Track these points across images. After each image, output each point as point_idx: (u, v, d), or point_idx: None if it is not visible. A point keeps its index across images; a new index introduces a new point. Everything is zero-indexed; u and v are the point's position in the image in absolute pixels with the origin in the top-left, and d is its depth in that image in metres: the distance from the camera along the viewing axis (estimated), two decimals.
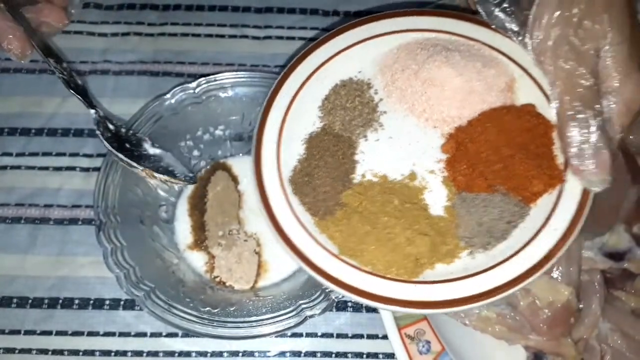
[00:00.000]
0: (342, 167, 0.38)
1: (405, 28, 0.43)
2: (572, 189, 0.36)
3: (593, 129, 0.35)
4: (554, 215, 0.36)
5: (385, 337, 0.43)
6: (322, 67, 0.42)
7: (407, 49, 0.42)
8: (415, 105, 0.40)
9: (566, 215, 0.35)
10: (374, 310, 0.45)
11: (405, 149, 0.39)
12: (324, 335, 0.44)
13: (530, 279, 0.34)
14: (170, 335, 0.44)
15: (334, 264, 0.35)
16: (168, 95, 0.45)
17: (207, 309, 0.38)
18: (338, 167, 0.38)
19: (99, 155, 0.51)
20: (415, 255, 0.35)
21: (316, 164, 0.38)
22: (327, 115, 0.40)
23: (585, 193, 0.36)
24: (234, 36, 0.57)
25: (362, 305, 0.46)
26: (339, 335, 0.45)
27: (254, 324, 0.38)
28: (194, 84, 0.46)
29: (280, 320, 0.37)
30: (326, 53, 0.42)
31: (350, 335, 0.45)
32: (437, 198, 0.38)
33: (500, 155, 0.37)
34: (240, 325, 0.37)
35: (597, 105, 0.35)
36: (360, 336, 0.45)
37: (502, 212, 0.36)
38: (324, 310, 0.38)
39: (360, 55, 0.42)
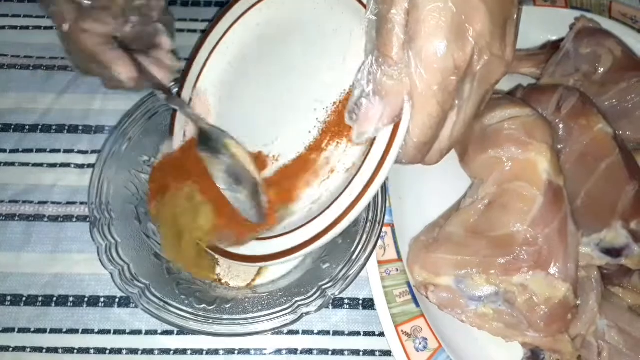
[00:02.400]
0: None
1: None
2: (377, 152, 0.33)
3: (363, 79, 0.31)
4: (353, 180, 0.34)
5: (381, 334, 0.43)
6: None
7: None
8: None
9: (363, 179, 0.34)
10: (371, 307, 0.45)
11: None
12: (320, 333, 0.44)
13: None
14: (166, 332, 0.43)
15: None
16: None
17: (203, 306, 0.38)
18: None
19: (93, 151, 0.50)
20: None
21: None
22: None
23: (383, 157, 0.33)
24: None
25: (358, 302, 0.45)
26: (335, 333, 0.44)
27: (250, 321, 0.37)
28: None
29: (276, 317, 0.37)
30: None
31: (346, 332, 0.44)
32: None
33: None
34: (236, 322, 0.37)
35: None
36: (357, 334, 0.44)
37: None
38: (319, 308, 0.38)
39: None
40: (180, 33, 0.57)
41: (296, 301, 0.38)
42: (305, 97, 0.40)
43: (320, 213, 0.35)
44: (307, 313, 0.37)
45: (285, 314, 0.37)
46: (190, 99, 0.44)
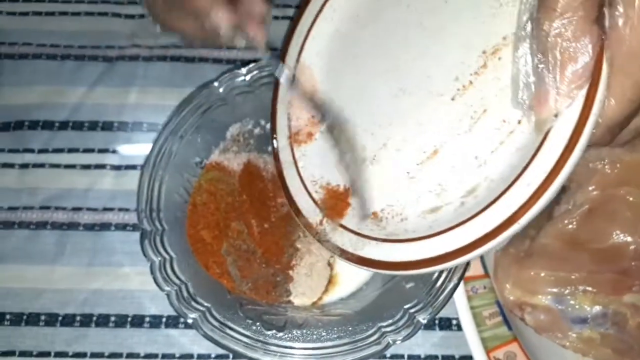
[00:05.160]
0: None
1: None
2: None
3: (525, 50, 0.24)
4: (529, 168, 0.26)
5: (462, 358, 0.39)
6: None
7: None
8: None
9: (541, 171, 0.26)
10: (448, 328, 0.40)
11: None
12: (393, 357, 0.39)
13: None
14: (220, 357, 0.38)
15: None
16: (216, 84, 0.39)
17: (272, 332, 0.33)
18: None
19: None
20: None
21: None
22: None
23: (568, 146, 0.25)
24: (276, 17, 0.51)
25: (434, 322, 0.40)
26: (410, 357, 0.39)
27: (328, 351, 0.32)
28: (243, 70, 0.40)
29: (359, 349, 0.32)
30: None
31: (422, 356, 0.39)
32: None
33: None
34: (313, 355, 0.32)
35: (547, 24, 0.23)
36: (435, 358, 0.39)
37: None
38: (407, 337, 0.32)
39: None
40: None
41: (380, 327, 0.33)
42: (443, 63, 0.31)
43: (480, 210, 0.27)
44: (394, 342, 0.32)
45: (369, 344, 0.32)
46: (294, 76, 0.37)
